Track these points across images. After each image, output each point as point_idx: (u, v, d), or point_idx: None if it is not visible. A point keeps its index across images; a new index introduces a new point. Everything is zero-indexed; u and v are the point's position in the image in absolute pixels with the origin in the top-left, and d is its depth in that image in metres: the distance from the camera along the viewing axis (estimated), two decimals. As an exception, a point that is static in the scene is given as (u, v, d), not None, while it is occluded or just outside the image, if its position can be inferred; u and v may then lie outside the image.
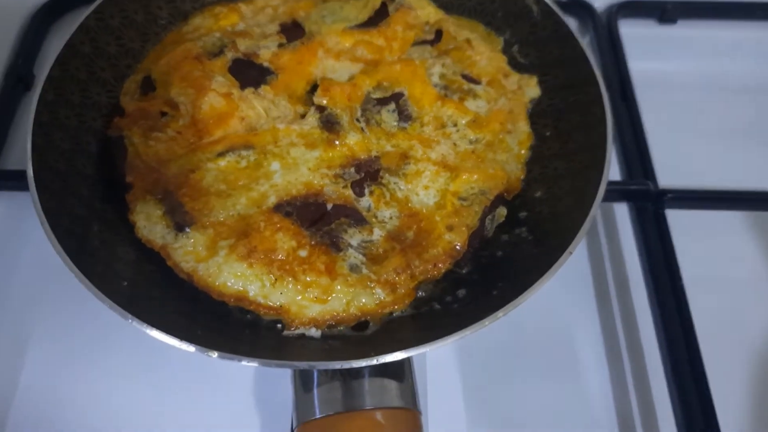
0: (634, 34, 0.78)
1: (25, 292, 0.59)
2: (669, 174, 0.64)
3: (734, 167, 0.69)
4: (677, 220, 0.61)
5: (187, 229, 0.50)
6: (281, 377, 0.52)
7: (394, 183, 0.54)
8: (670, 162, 0.66)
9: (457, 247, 0.51)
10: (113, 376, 0.55)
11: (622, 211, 0.65)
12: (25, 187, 0.49)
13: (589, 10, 0.79)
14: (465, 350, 0.57)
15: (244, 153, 0.55)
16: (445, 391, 0.55)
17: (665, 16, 0.80)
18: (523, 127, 0.60)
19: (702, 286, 0.58)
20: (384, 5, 0.65)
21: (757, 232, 0.65)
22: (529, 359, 0.57)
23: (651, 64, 0.77)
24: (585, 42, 0.76)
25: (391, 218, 0.53)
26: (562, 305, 0.60)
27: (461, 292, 0.51)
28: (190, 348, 0.42)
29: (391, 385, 0.45)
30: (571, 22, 0.79)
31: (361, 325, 0.49)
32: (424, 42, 0.64)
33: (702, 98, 0.75)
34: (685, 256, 0.59)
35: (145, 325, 0.42)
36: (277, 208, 0.51)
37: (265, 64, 0.61)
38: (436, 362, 0.56)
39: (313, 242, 0.50)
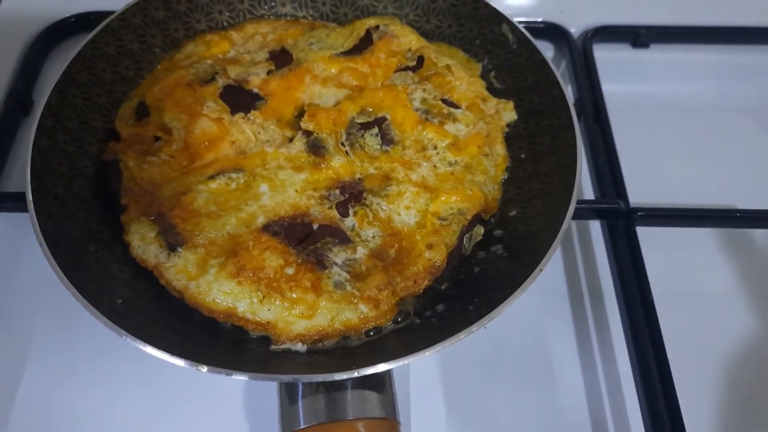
0: (609, 58, 0.81)
1: (23, 309, 0.61)
2: (640, 193, 0.67)
3: (703, 186, 0.72)
4: (648, 236, 0.64)
5: (179, 249, 0.52)
6: (269, 389, 0.54)
7: (377, 204, 0.57)
8: (641, 181, 0.69)
9: (437, 264, 0.54)
10: (108, 390, 0.57)
11: (595, 229, 0.68)
12: (24, 209, 0.51)
13: (565, 35, 0.82)
14: (447, 362, 0.59)
15: (234, 175, 0.57)
16: (428, 401, 0.57)
17: (639, 40, 0.84)
18: (500, 149, 0.63)
19: (671, 300, 0.61)
20: (368, 33, 0.68)
21: (723, 249, 0.67)
22: (508, 369, 0.59)
23: (624, 87, 0.81)
24: (561, 66, 0.80)
25: (373, 237, 0.56)
26: (539, 317, 0.62)
27: (440, 307, 0.53)
28: (180, 362, 0.44)
29: (372, 396, 0.47)
30: (548, 47, 0.84)
31: (344, 339, 0.51)
32: (406, 68, 0.67)
33: (672, 120, 0.79)
34: (655, 272, 0.61)
35: (138, 341, 0.44)
36: (266, 228, 0.54)
37: (255, 90, 0.63)
38: (419, 374, 0.59)
39: (299, 260, 0.52)
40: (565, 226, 0.51)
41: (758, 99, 0.81)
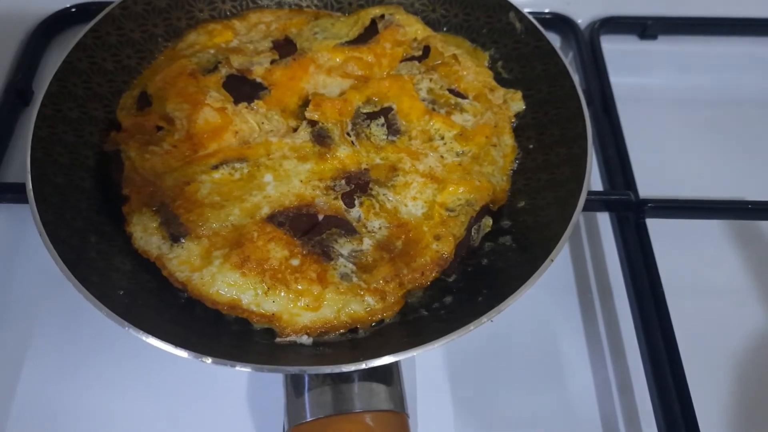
0: (616, 49, 0.80)
1: (23, 301, 0.60)
2: (649, 184, 0.66)
3: (712, 177, 0.71)
4: (657, 228, 0.63)
5: (182, 240, 0.52)
6: (273, 382, 0.54)
7: (383, 194, 0.56)
8: (650, 172, 0.68)
9: (444, 256, 0.53)
10: (110, 383, 0.56)
11: (604, 220, 0.67)
12: (24, 200, 0.50)
13: (572, 26, 0.81)
14: (454, 355, 0.58)
15: (237, 165, 0.56)
16: (435, 395, 0.57)
17: (646, 32, 0.83)
18: (508, 140, 0.62)
19: (681, 292, 0.60)
20: (373, 23, 0.68)
21: (733, 240, 0.67)
22: (516, 364, 0.58)
23: (632, 78, 0.80)
24: (568, 57, 0.79)
25: (380, 228, 0.55)
26: (547, 311, 0.61)
27: (448, 299, 0.52)
28: (184, 354, 0.43)
29: (380, 388, 0.46)
30: (555, 38, 0.83)
31: (351, 332, 0.51)
32: (412, 58, 0.66)
33: (682, 111, 0.78)
34: (665, 264, 0.60)
35: (141, 332, 0.44)
36: (270, 218, 0.53)
37: (258, 79, 0.63)
38: (426, 367, 0.58)
39: (304, 252, 0.52)
40: (576, 216, 0.50)
41: (768, 91, 0.81)
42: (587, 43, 0.79)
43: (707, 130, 0.76)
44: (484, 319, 0.45)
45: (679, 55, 0.83)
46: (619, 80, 0.76)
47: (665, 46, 0.83)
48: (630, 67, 0.80)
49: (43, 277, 0.60)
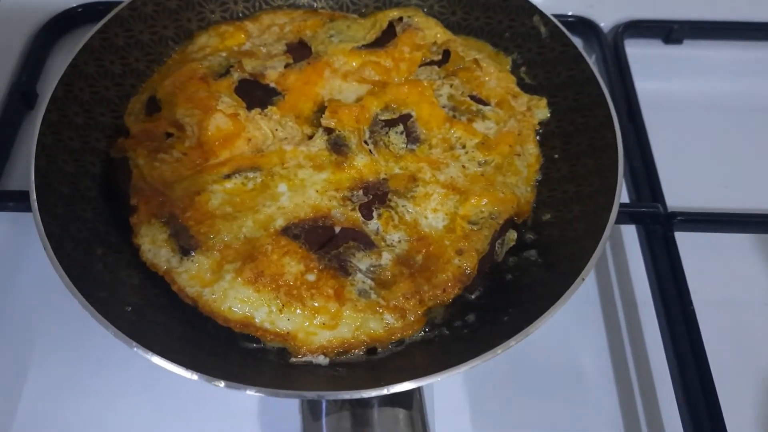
0: (641, 54, 0.78)
1: (26, 314, 0.58)
2: (677, 195, 0.64)
3: (743, 187, 0.69)
4: (686, 241, 0.60)
5: (193, 253, 0.50)
6: (287, 403, 0.52)
7: (403, 206, 0.54)
8: (678, 183, 0.66)
9: (467, 271, 0.51)
10: (115, 401, 0.54)
11: (630, 233, 0.64)
12: (27, 208, 0.49)
13: (595, 29, 0.79)
14: (473, 374, 0.56)
15: (250, 175, 0.54)
16: (453, 417, 0.54)
17: (671, 36, 0.81)
18: (532, 149, 0.59)
19: (712, 308, 0.58)
20: (391, 25, 0.65)
21: (766, 255, 0.64)
22: (537, 384, 0.56)
23: (657, 84, 0.77)
24: (591, 62, 0.76)
25: (399, 242, 0.52)
26: (570, 328, 0.59)
27: (471, 317, 0.50)
28: (195, 377, 0.41)
29: (401, 414, 0.44)
30: (577, 42, 0.79)
31: (369, 351, 0.48)
32: (431, 63, 0.64)
33: (709, 118, 0.75)
34: (695, 279, 0.58)
35: (150, 353, 0.42)
36: (285, 231, 0.51)
37: (272, 84, 0.61)
38: (444, 387, 0.56)
39: (321, 266, 0.50)
40: (608, 232, 0.48)
41: (798, 97, 0.78)
42: (611, 47, 0.77)
43: (735, 138, 0.74)
44: (512, 342, 0.43)
45: (705, 59, 0.81)
46: (644, 86, 0.73)
47: (691, 50, 0.81)
48: (655, 73, 0.78)
49: (46, 288, 0.58)
